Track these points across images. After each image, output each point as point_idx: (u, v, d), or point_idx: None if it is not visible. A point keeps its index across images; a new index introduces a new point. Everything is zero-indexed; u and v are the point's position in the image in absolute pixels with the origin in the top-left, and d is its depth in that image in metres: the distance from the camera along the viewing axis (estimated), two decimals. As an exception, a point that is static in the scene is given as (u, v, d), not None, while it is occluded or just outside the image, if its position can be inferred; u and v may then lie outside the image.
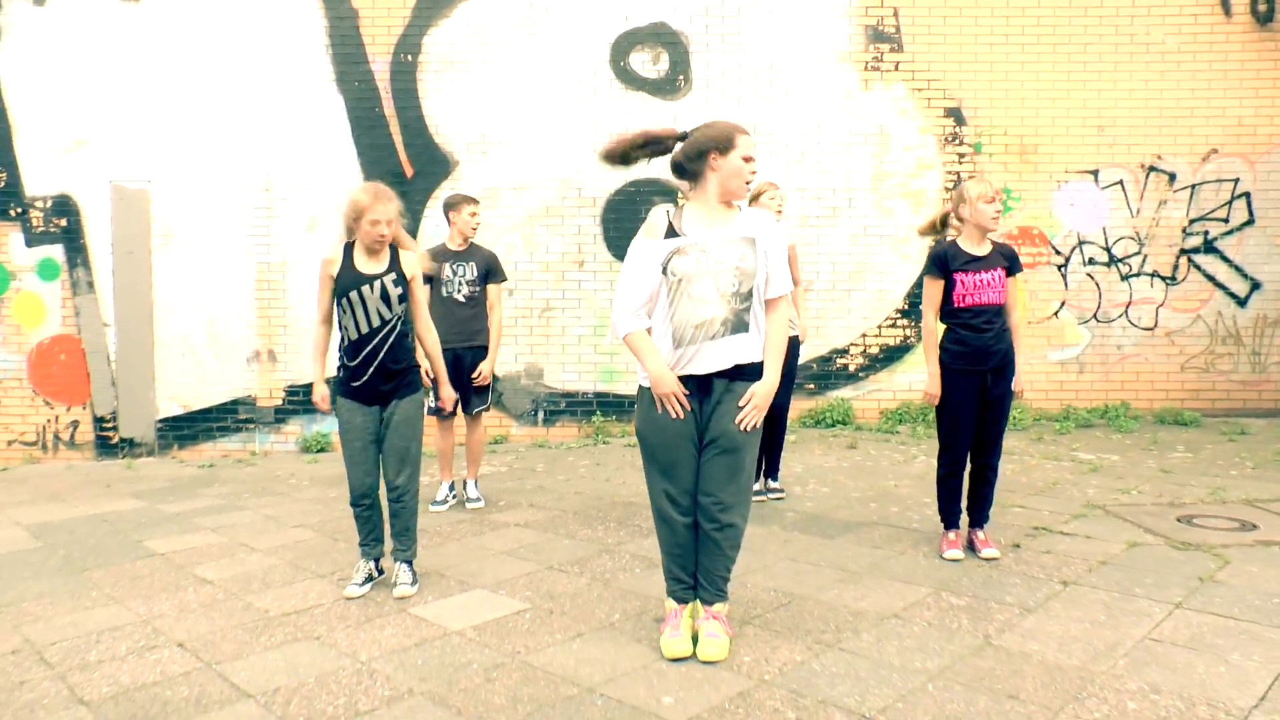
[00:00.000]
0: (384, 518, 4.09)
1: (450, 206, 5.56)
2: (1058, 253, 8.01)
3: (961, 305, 4.05)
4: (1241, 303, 8.11)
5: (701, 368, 3.06)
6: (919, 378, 8.01)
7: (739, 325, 3.06)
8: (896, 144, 7.99)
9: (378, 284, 3.83)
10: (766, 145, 7.98)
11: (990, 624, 3.33)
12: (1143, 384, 8.05)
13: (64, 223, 7.97)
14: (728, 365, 3.06)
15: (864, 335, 8.05)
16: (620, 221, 8.07)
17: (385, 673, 3.11)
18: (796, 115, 7.98)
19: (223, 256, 8.03)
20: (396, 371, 3.90)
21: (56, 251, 7.99)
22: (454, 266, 5.47)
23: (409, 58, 8.01)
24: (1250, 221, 8.07)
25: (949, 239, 4.20)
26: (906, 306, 8.04)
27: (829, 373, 8.08)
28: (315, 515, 5.50)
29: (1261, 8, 7.98)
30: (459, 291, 5.45)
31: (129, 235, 7.96)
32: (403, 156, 8.06)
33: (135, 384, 7.99)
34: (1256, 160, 8.02)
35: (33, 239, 7.96)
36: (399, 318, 3.89)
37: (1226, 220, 8.06)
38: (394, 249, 3.93)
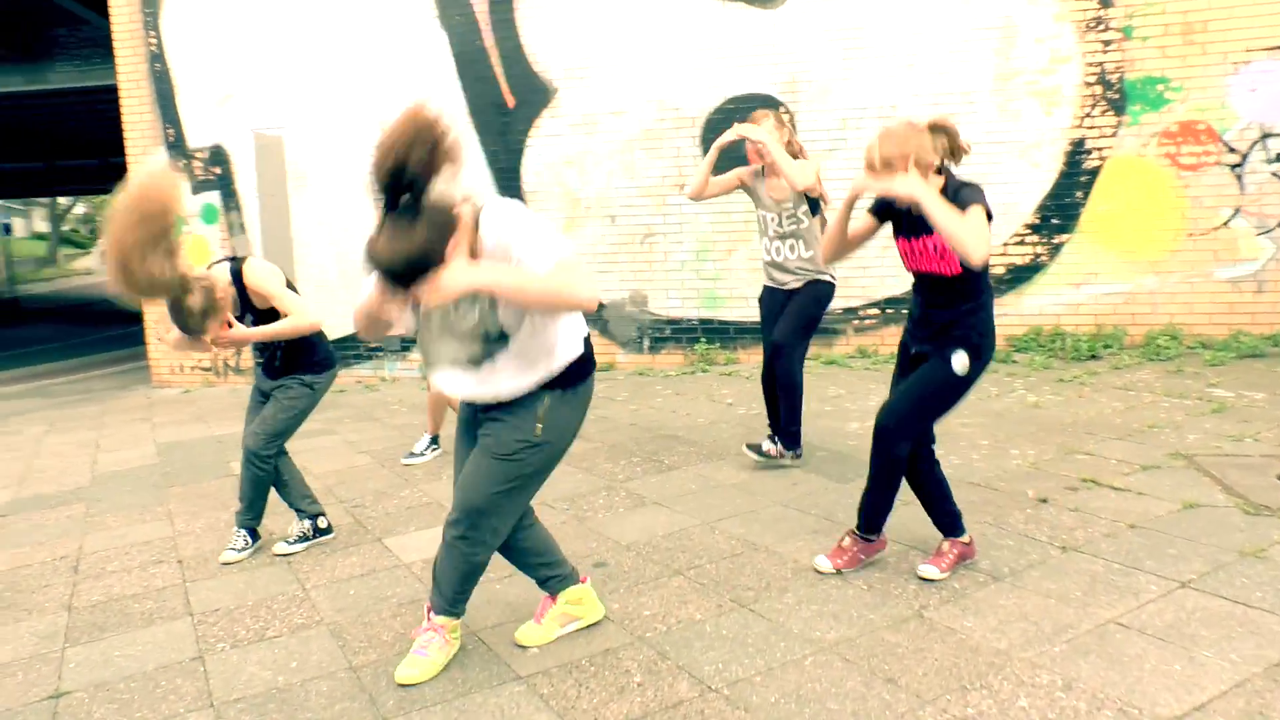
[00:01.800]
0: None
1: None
2: (1231, 150, 6.73)
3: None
4: None
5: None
6: (1050, 300, 7.15)
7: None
8: (1025, 36, 6.98)
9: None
10: (873, 49, 7.26)
11: (940, 592, 2.97)
12: (1347, 305, 6.69)
13: (219, 170, 8.80)
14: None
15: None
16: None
17: (316, 601, 3.29)
18: (908, 14, 7.16)
19: (350, 196, 8.54)
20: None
21: (214, 197, 8.86)
22: None
23: (507, -15, 7.98)
24: None
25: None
26: (1037, 220, 7.13)
27: (945, 297, 7.37)
28: (384, 442, 5.85)
29: None
30: None
31: (269, 179, 8.66)
32: (504, 87, 8.12)
33: (282, 316, 8.78)
34: None
35: (196, 186, 8.86)
36: None
37: None
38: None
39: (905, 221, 3.02)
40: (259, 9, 8.46)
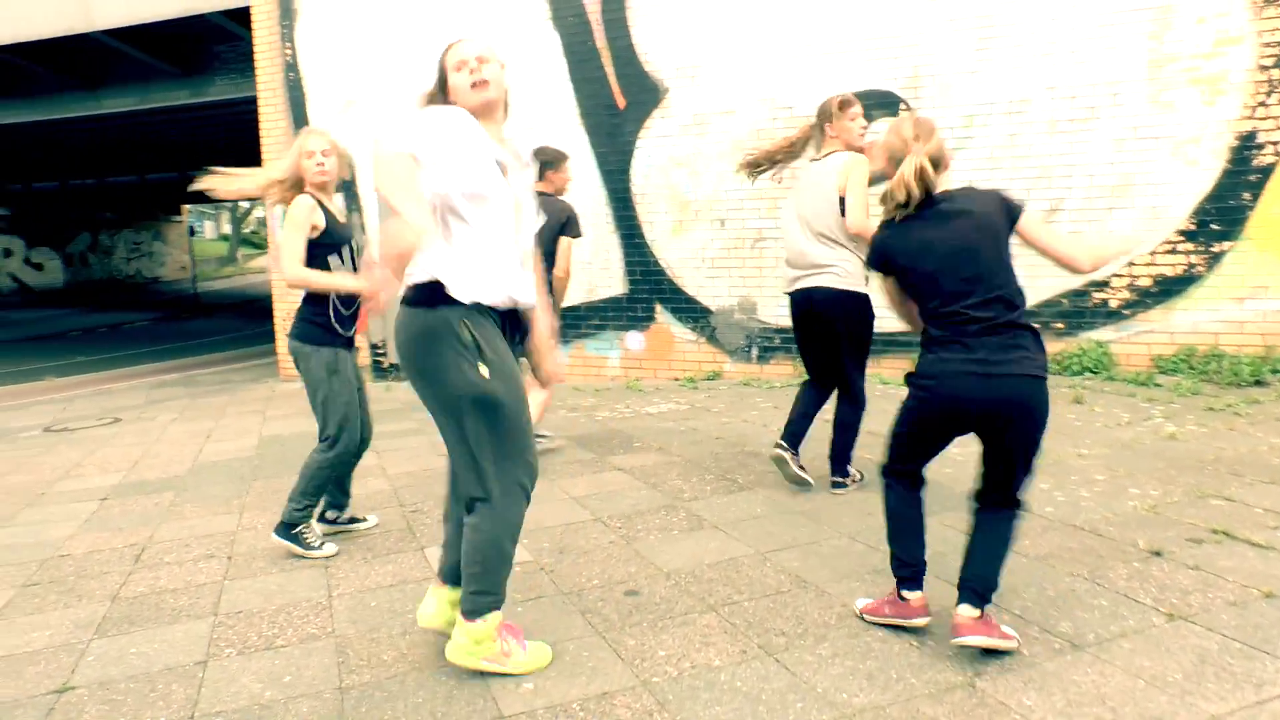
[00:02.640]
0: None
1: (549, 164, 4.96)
2: None
3: None
4: None
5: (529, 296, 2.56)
6: (1207, 316, 6.31)
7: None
8: (1185, 16, 6.18)
9: (349, 248, 3.78)
10: (1005, 39, 6.64)
11: (1001, 659, 2.52)
12: None
13: (345, 175, 9.10)
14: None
15: (1130, 263, 6.46)
16: (834, 141, 7.26)
17: (335, 610, 3.19)
18: (1048, -5, 6.50)
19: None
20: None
21: (340, 200, 9.17)
22: None
23: (619, -15, 7.84)
24: None
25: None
26: (1193, 226, 6.30)
27: (1081, 310, 6.64)
28: (465, 445, 5.79)
29: None
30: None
31: (390, 182, 8.87)
32: (615, 87, 7.98)
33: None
34: None
35: (324, 189, 9.19)
36: None
37: None
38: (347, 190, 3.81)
39: None
40: (381, 17, 8.69)
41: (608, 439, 5.66)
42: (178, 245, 34.29)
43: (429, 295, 2.38)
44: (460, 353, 2.37)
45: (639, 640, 2.79)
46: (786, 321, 7.62)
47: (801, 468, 4.23)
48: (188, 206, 33.46)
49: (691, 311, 8.00)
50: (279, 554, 3.82)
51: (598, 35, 7.95)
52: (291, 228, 3.63)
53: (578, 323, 8.31)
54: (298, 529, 3.77)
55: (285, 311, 9.58)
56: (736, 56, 7.49)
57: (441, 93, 2.54)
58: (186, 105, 13.10)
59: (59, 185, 26.81)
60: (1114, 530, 3.45)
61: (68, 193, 27.77)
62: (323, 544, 3.78)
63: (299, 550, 3.74)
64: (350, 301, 3.76)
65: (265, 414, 7.59)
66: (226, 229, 47.32)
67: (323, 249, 3.67)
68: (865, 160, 4.00)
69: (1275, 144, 6.06)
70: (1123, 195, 6.43)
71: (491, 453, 2.43)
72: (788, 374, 7.64)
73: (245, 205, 44.12)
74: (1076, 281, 6.58)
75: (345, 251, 3.75)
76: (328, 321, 3.71)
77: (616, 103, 7.97)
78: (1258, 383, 5.85)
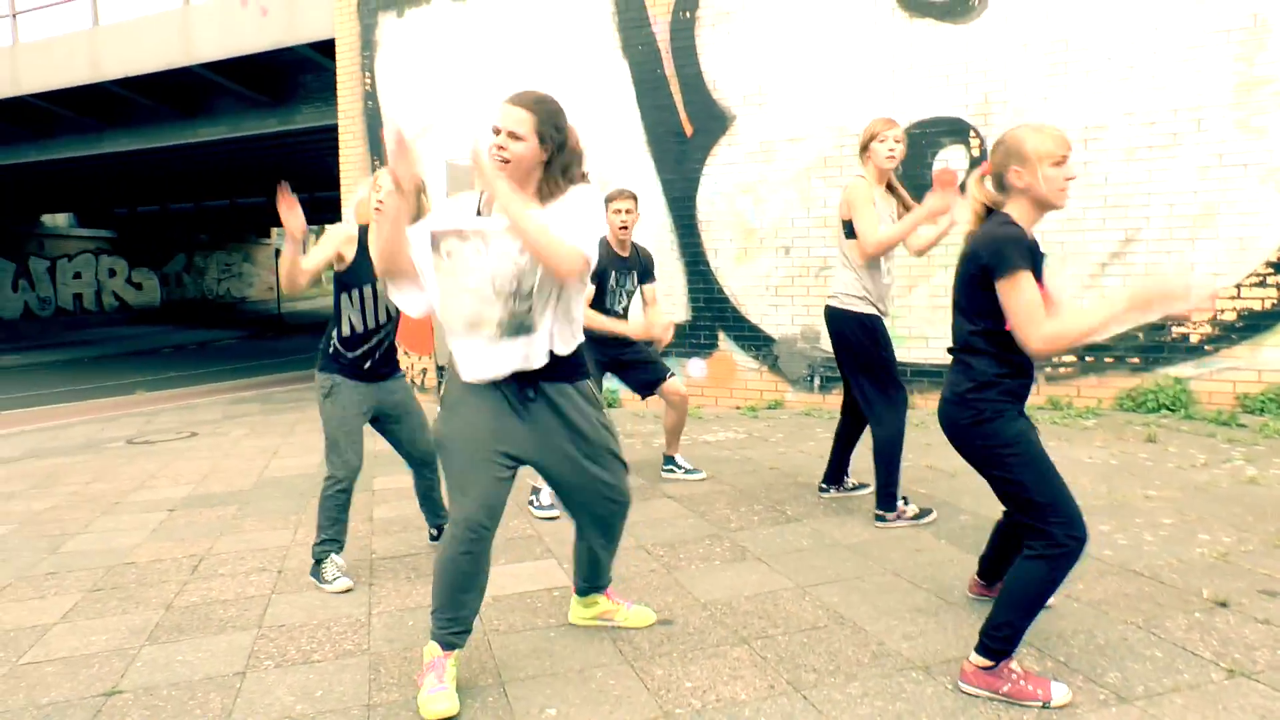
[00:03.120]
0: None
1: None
2: None
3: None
4: None
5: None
6: (1298, 355, 5.96)
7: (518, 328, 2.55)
8: (1278, 37, 5.91)
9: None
10: (1080, 64, 6.46)
11: (1040, 711, 2.40)
12: None
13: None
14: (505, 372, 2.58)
15: (1213, 297, 6.17)
16: (905, 168, 7.14)
17: (374, 627, 3.24)
18: (1124, 19, 6.30)
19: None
20: (393, 353, 3.82)
21: (412, 224, 9.42)
22: (617, 275, 4.84)
23: (687, 14, 7.91)
24: None
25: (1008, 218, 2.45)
26: (1279, 258, 5.98)
27: (1159, 344, 6.35)
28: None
29: None
30: (619, 304, 4.90)
31: (460, 207, 9.10)
32: (682, 115, 8.03)
33: (463, 338, 9.18)
34: None
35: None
36: (395, 318, 3.73)
37: None
38: None
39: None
40: (455, 47, 8.95)
41: (661, 466, 5.63)
42: (265, 266, 35.72)
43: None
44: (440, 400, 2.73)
45: (667, 670, 2.75)
46: (850, 351, 7.55)
47: (854, 487, 4.41)
48: (276, 230, 34.81)
49: (754, 339, 7.94)
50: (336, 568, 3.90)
51: (667, 64, 8.02)
52: (321, 242, 3.69)
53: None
54: (318, 563, 3.74)
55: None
56: (804, 83, 7.46)
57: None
58: (275, 133, 13.68)
59: (159, 209, 28.23)
60: (1177, 577, 3.27)
61: (166, 216, 29.23)
62: (337, 578, 3.67)
63: (316, 583, 3.71)
64: (355, 345, 3.68)
65: (333, 431, 7.80)
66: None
67: (339, 284, 3.65)
68: (859, 183, 4.01)
69: (1374, 172, 5.73)
70: (1206, 225, 6.15)
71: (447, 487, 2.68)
72: (850, 404, 7.50)
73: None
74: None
75: (357, 294, 3.63)
76: (329, 346, 3.73)
77: (684, 130, 8.01)
78: (1353, 425, 5.50)
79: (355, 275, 3.64)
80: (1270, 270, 6.03)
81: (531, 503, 4.70)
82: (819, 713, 2.44)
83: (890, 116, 4.41)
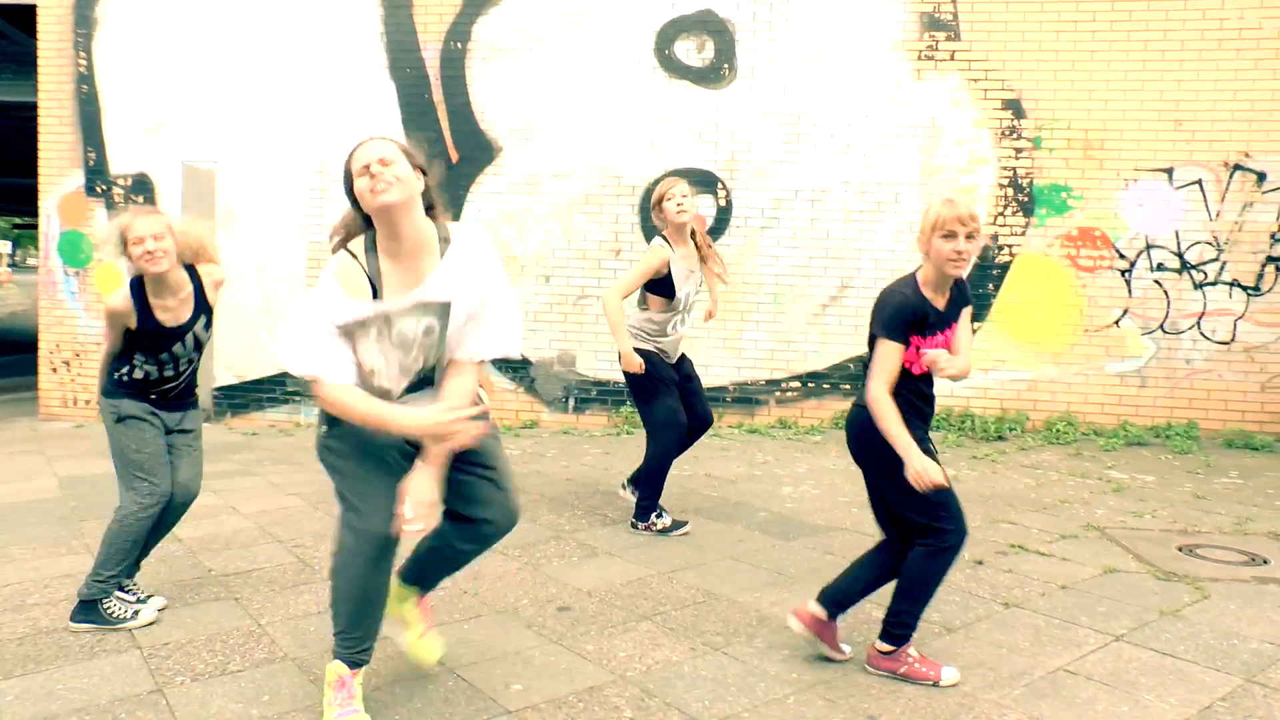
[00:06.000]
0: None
1: None
2: (1122, 256, 7.43)
3: (920, 372, 2.89)
4: (1338, 319, 7.32)
5: None
6: (962, 384, 7.56)
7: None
8: (948, 137, 7.59)
9: (189, 337, 3.36)
10: (810, 136, 7.74)
11: (933, 687, 3.12)
12: (1214, 403, 7.38)
13: (140, 199, 8.50)
14: None
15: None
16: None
17: (275, 636, 3.18)
18: (844, 106, 7.69)
19: (278, 235, 8.39)
20: (191, 388, 3.52)
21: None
22: None
23: (459, 45, 8.15)
24: (1352, 229, 7.27)
25: (913, 279, 2.86)
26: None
27: (865, 374, 7.75)
28: (312, 485, 5.69)
29: (1377, -9, 7.16)
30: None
31: (197, 212, 8.42)
32: (449, 143, 8.22)
33: (195, 353, 8.48)
34: (1362, 161, 7.21)
35: (114, 214, 8.53)
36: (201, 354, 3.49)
37: (1324, 227, 7.28)
38: (193, 274, 3.36)
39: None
40: (201, 41, 8.35)
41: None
42: None
43: None
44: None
45: (596, 645, 3.10)
46: (604, 374, 8.22)
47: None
48: None
49: (512, 362, 8.28)
50: (177, 585, 3.66)
51: (435, 90, 8.19)
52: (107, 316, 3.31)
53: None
54: (94, 603, 3.30)
55: (53, 343, 8.69)
56: (571, 124, 8.03)
57: (348, 195, 2.49)
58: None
59: None
60: (942, 547, 4.24)
61: None
62: (138, 610, 3.32)
63: (95, 626, 3.27)
64: (149, 388, 3.37)
65: (46, 454, 6.87)
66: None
67: (128, 340, 3.30)
68: (655, 248, 4.50)
69: (1010, 247, 7.56)
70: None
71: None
72: (603, 424, 8.14)
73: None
74: (863, 348, 7.70)
75: (151, 356, 3.31)
76: (114, 376, 3.38)
77: (450, 156, 8.21)
78: (999, 438, 7.18)
79: (149, 340, 3.28)
80: (942, 316, 7.64)
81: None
82: (744, 664, 2.95)
83: (674, 176, 4.87)
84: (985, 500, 5.18)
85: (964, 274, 2.86)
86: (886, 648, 2.87)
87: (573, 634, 3.19)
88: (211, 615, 3.39)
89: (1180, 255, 7.40)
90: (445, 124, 8.20)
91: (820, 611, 2.95)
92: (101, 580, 3.25)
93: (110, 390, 3.36)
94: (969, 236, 2.72)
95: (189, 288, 3.34)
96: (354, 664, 2.52)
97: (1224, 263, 7.39)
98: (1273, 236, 7.34)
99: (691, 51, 7.90)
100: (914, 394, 2.88)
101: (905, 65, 7.62)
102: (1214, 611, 3.42)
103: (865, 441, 2.91)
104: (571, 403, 8.27)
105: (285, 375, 8.44)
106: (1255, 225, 7.34)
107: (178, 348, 3.34)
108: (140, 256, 3.13)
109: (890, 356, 2.78)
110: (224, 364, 8.48)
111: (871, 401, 2.77)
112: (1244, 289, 7.38)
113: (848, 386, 7.78)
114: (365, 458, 2.46)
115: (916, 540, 2.85)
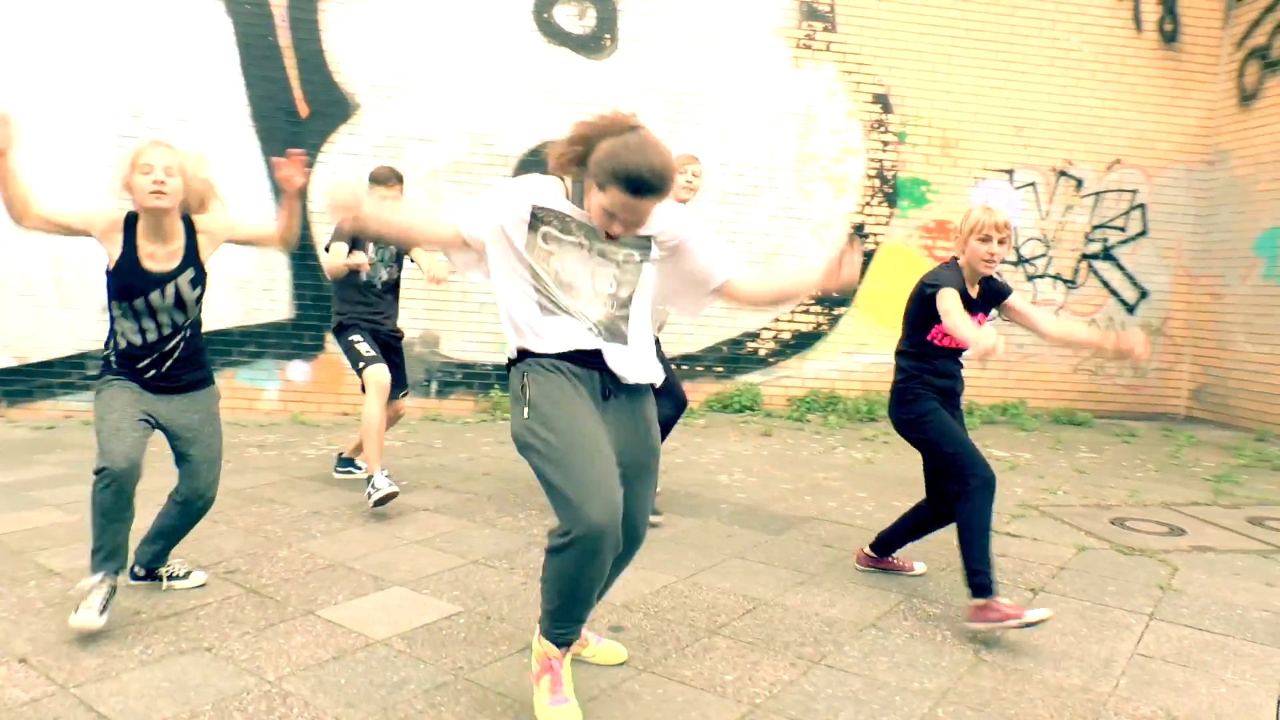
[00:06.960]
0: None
1: (378, 181, 4.81)
2: (970, 249, 8.05)
3: (941, 344, 3.34)
4: (1130, 309, 8.42)
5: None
6: (829, 366, 7.92)
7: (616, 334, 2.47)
8: (823, 126, 7.81)
9: (170, 288, 3.01)
10: (691, 116, 7.64)
11: (973, 637, 3.11)
12: (1039, 384, 8.24)
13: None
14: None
15: (776, 320, 7.85)
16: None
17: (302, 695, 2.58)
18: (724, 87, 7.66)
19: (77, 187, 6.95)
20: (191, 362, 3.16)
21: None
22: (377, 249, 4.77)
23: (308, -19, 7.17)
24: (1144, 233, 8.37)
25: (955, 263, 3.31)
26: (819, 293, 7.89)
27: (738, 356, 7.85)
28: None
29: (1168, 27, 8.25)
30: (378, 277, 4.84)
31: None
32: (298, 94, 7.24)
33: (-43, 329, 6.86)
34: (1154, 174, 8.31)
35: None
36: (195, 319, 3.15)
37: (1123, 229, 8.33)
38: (188, 224, 3.07)
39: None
40: (-38, -58, 6.71)
41: (361, 484, 5.12)
42: None
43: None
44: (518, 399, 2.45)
45: (693, 670, 2.80)
46: (469, 357, 7.67)
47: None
48: None
49: (366, 342, 7.50)
50: (108, 638, 2.88)
51: (281, 32, 7.16)
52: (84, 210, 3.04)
53: (229, 349, 7.26)
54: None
55: None
56: (439, 84, 7.36)
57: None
58: None
59: None
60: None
61: None
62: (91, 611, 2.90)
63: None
64: (134, 360, 3.07)
65: None
66: None
67: (107, 286, 3.05)
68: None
69: (875, 235, 7.93)
70: (774, 261, 7.80)
71: (548, 492, 2.35)
72: (468, 409, 7.63)
73: None
74: (735, 331, 7.77)
75: (127, 304, 3.01)
76: (107, 357, 3.15)
77: (299, 110, 7.24)
78: (872, 419, 7.54)
79: (124, 279, 3.01)
80: (813, 301, 7.89)
81: None
82: (860, 677, 2.79)
83: (691, 152, 4.68)
84: (907, 483, 5.36)
85: (993, 272, 3.33)
86: (979, 601, 3.06)
87: (652, 658, 2.88)
88: (195, 675, 2.68)
89: (1017, 250, 8.14)
90: (293, 72, 7.22)
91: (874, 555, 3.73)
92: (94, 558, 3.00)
93: (101, 373, 3.12)
94: (1001, 242, 3.22)
95: (181, 240, 3.05)
96: (562, 644, 2.46)
97: (1050, 258, 8.23)
98: (1086, 236, 8.28)
99: (572, 18, 7.50)
100: (932, 373, 3.37)
101: (784, 52, 7.72)
102: (1196, 584, 3.75)
103: (892, 416, 3.47)
104: (434, 386, 7.65)
105: (84, 356, 7.08)
106: (1075, 226, 8.24)
107: (155, 297, 3.01)
108: (146, 187, 2.86)
109: (952, 299, 3.08)
110: (1, 342, 6.96)
111: (952, 329, 3.05)
112: (1065, 282, 8.28)
113: (721, 369, 7.82)
114: (574, 433, 2.30)
115: (954, 492, 3.20)
